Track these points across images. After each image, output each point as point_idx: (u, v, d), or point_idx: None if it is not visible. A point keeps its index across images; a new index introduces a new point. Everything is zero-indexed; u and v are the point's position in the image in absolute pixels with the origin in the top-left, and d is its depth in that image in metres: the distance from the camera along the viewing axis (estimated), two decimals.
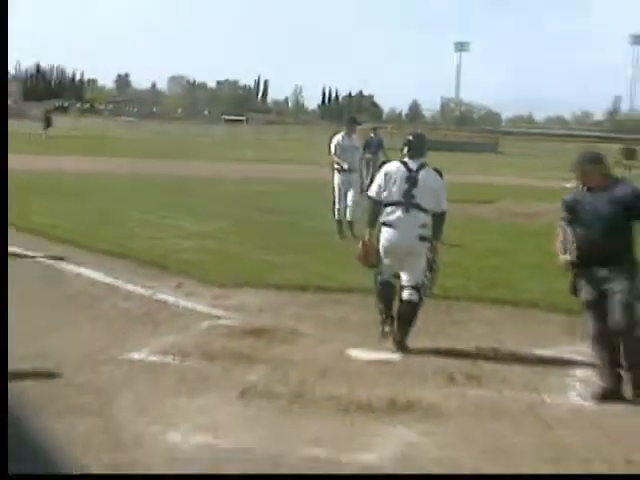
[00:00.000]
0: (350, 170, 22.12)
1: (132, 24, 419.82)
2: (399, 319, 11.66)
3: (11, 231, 11.99)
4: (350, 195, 21.95)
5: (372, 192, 11.98)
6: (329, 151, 22.63)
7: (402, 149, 12.00)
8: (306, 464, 7.71)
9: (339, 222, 21.80)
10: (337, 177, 22.29)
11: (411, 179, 11.60)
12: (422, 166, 11.69)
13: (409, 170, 11.75)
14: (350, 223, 21.53)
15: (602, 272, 9.74)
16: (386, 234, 11.74)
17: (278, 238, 20.79)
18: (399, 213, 11.59)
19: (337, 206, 22.03)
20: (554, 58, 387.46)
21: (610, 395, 9.68)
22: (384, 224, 11.78)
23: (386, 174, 11.88)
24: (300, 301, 14.08)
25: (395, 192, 11.68)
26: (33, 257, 17.20)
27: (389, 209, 11.72)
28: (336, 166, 22.22)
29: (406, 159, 11.91)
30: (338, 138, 22.38)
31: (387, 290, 11.92)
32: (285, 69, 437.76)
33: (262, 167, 49.10)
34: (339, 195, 22.13)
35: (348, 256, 13.76)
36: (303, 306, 13.72)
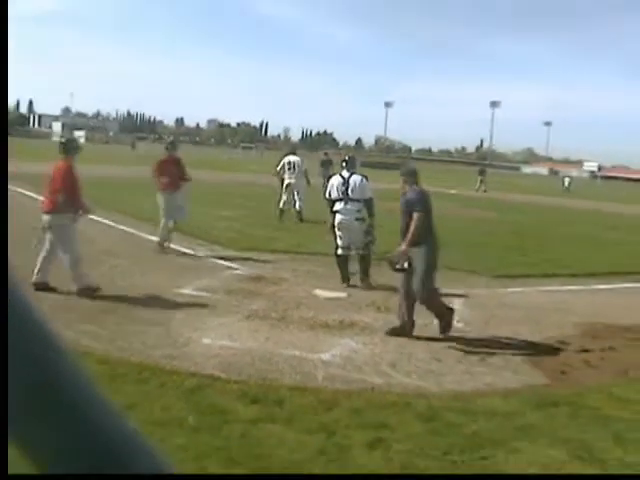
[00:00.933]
0: (297, 177, 21.96)
1: (184, 84, 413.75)
2: (360, 266, 12.35)
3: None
4: (298, 194, 21.69)
5: (327, 194, 12.68)
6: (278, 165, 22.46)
7: (341, 164, 12.74)
8: (287, 360, 7.95)
9: (282, 211, 21.42)
10: (287, 181, 21.82)
11: (345, 183, 12.34)
12: (352, 174, 12.42)
13: (343, 178, 12.48)
14: (299, 212, 21.36)
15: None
16: (337, 218, 12.36)
17: (271, 221, 20.87)
18: (342, 205, 12.28)
19: (284, 199, 21.65)
20: (445, 112, 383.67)
21: (400, 332, 9.32)
22: (336, 212, 12.34)
23: (331, 183, 12.68)
24: (284, 259, 14.30)
25: (337, 192, 12.37)
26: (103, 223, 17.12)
27: (337, 203, 12.38)
28: (287, 174, 21.93)
29: (343, 172, 12.65)
30: (289, 157, 22.38)
31: (342, 257, 12.32)
32: (278, 115, 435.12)
33: (261, 176, 49.11)
34: (288, 193, 21.71)
35: (314, 233, 13.94)
36: (286, 263, 13.93)
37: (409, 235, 9.45)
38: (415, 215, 9.48)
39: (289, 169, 22.05)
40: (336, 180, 12.57)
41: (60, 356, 0.62)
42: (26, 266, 9.75)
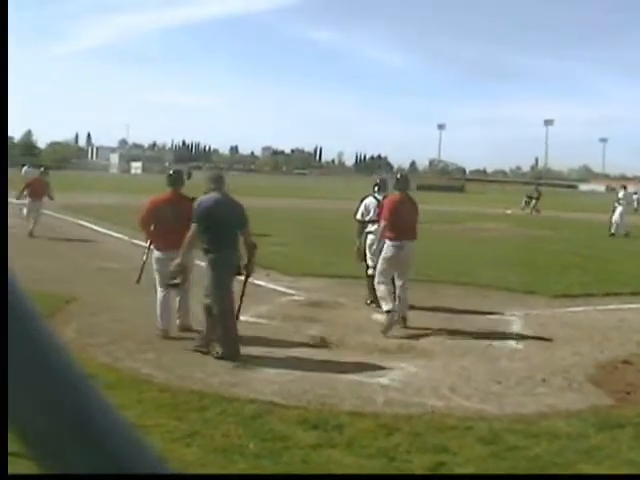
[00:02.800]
0: None
1: (238, 113, 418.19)
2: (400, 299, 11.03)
3: None
4: None
5: (359, 215, 12.66)
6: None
7: (373, 187, 12.70)
8: (346, 385, 7.93)
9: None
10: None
11: (380, 204, 12.04)
12: (385, 196, 12.15)
13: (377, 200, 12.41)
14: None
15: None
16: (369, 239, 12.31)
17: (323, 245, 20.89)
18: (375, 226, 11.95)
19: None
20: (498, 132, 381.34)
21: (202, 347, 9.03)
22: (369, 232, 12.35)
23: (365, 204, 12.65)
24: (340, 284, 14.30)
25: (373, 213, 12.26)
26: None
27: (370, 225, 12.30)
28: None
29: (376, 194, 12.63)
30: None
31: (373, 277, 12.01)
32: (331, 141, 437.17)
33: (320, 201, 49.11)
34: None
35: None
36: (342, 288, 13.93)
37: (181, 248, 9.11)
38: (192, 226, 9.01)
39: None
40: (370, 201, 12.56)
41: (57, 355, 0.62)
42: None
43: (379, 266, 11.11)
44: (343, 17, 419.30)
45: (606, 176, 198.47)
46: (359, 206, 12.75)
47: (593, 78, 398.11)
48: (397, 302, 10.78)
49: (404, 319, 10.87)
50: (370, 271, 12.15)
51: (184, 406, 6.91)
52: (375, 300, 11.60)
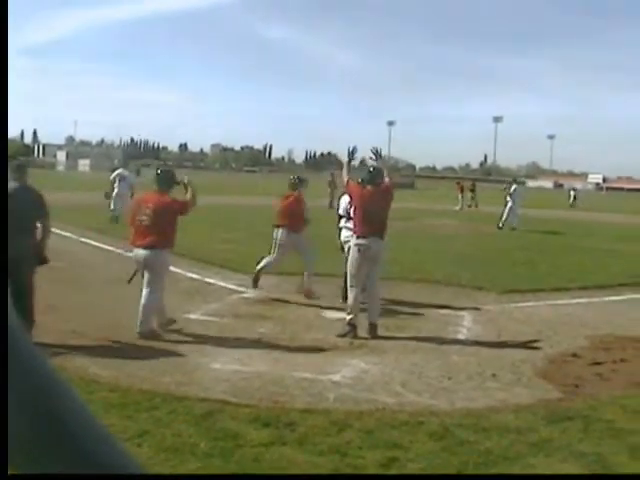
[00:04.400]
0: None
1: (187, 110, 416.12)
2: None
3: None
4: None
5: (341, 210, 12.41)
6: None
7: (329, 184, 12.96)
8: (297, 382, 7.93)
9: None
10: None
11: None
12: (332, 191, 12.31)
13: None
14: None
15: None
16: (343, 234, 12.20)
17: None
18: (344, 221, 12.05)
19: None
20: (448, 129, 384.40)
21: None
22: (341, 228, 12.35)
23: (343, 199, 12.37)
24: (291, 282, 14.28)
25: (344, 210, 12.14)
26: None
27: (342, 219, 12.25)
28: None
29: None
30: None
31: None
32: (282, 138, 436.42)
33: (270, 198, 49.23)
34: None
35: (320, 254, 13.89)
36: (293, 285, 13.91)
37: None
38: None
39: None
40: (346, 198, 12.28)
41: (32, 358, 0.64)
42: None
43: (349, 268, 10.70)
44: (296, 13, 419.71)
45: (554, 172, 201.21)
46: (333, 204, 12.96)
47: (542, 76, 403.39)
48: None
49: (372, 326, 10.34)
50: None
51: (134, 406, 6.84)
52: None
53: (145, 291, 9.85)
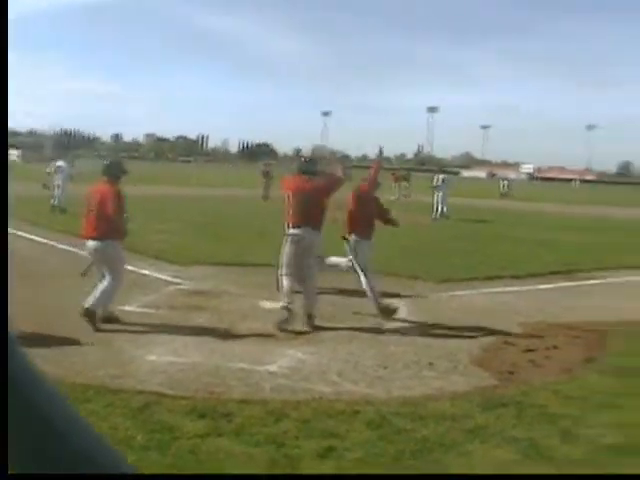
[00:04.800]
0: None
1: (120, 100, 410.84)
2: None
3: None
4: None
5: None
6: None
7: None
8: (234, 373, 7.91)
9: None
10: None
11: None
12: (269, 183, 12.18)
13: None
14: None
15: None
16: None
17: (209, 233, 20.81)
18: None
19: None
20: (383, 119, 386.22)
21: None
22: None
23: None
24: (227, 272, 14.24)
25: None
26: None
27: None
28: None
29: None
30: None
31: None
32: (217, 128, 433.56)
33: (205, 189, 49.01)
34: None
35: (256, 244, 13.87)
36: (230, 275, 13.87)
37: None
38: None
39: None
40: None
41: (20, 362, 0.68)
42: None
43: (282, 258, 10.55)
44: (232, 1, 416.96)
45: (488, 162, 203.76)
46: (266, 194, 12.71)
47: (477, 67, 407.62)
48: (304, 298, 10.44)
49: (309, 317, 10.28)
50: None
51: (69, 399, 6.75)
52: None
53: (102, 283, 9.89)
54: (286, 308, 10.17)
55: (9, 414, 0.64)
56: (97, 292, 9.73)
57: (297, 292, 10.46)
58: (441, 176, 32.99)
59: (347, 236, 11.47)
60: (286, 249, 10.50)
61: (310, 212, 10.37)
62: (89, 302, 9.63)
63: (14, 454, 0.65)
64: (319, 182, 10.73)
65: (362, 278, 11.14)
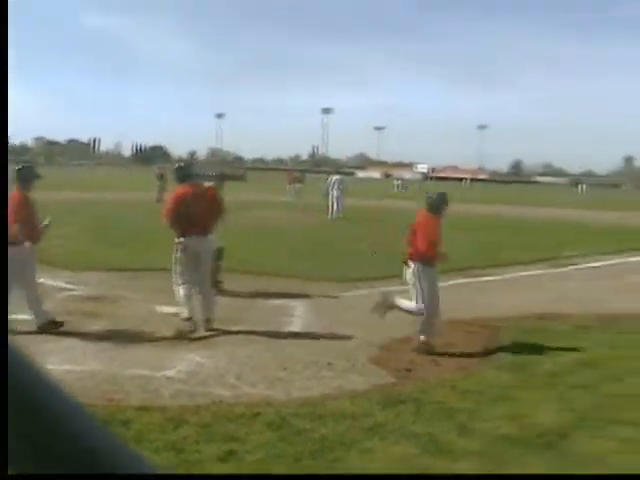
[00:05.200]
0: None
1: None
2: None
3: None
4: None
5: None
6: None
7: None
8: (132, 380, 7.83)
9: None
10: None
11: None
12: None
13: None
14: None
15: None
16: None
17: (103, 238, 20.52)
18: None
19: None
20: (277, 121, 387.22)
21: None
22: None
23: None
24: (122, 277, 14.06)
25: None
26: None
27: None
28: None
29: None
30: None
31: None
32: (110, 131, 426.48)
33: (98, 193, 48.25)
34: None
35: (151, 247, 13.73)
36: (124, 281, 13.70)
37: None
38: None
39: None
40: None
41: (27, 363, 0.67)
42: None
43: (174, 267, 10.46)
44: (126, 2, 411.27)
45: (384, 163, 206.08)
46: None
47: (369, 69, 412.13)
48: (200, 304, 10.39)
49: (209, 321, 10.28)
50: None
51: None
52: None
53: (22, 288, 9.79)
54: (187, 319, 10.10)
55: (10, 415, 0.64)
56: (28, 307, 9.88)
57: (195, 297, 10.42)
58: (335, 177, 33.33)
59: (408, 263, 10.05)
60: (177, 258, 10.41)
61: (195, 219, 10.27)
62: (35, 321, 9.77)
63: (17, 456, 0.65)
64: (202, 188, 10.84)
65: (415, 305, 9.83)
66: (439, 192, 10.60)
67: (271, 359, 8.81)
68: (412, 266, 9.88)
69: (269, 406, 7.03)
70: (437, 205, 10.32)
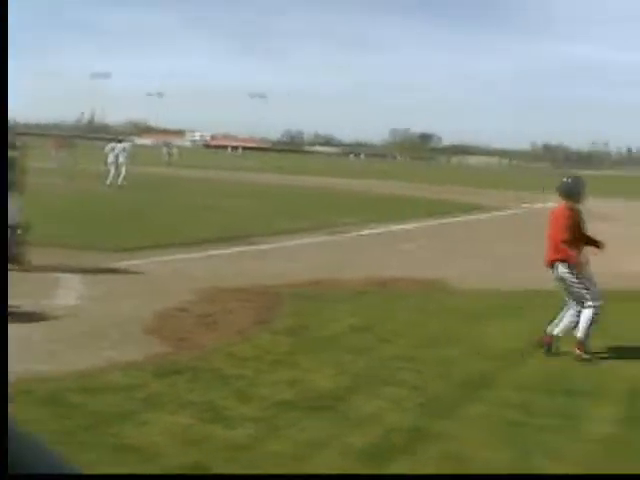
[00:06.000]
0: None
1: None
2: None
3: None
4: None
5: None
6: None
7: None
8: None
9: None
10: None
11: None
12: None
13: None
14: None
15: None
16: None
17: None
18: None
19: None
20: (43, 84, 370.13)
21: None
22: None
23: None
24: None
25: None
26: None
27: None
28: None
29: None
30: None
31: None
32: None
33: None
34: None
35: None
36: None
37: None
38: None
39: None
40: None
41: None
42: None
43: None
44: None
45: (154, 130, 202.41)
46: None
47: (153, 32, 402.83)
48: None
49: None
50: None
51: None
52: None
53: None
54: None
55: None
56: None
57: None
58: (120, 144, 32.65)
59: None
60: None
61: None
62: None
63: None
64: None
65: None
66: (575, 176, 9.47)
67: (42, 332, 8.50)
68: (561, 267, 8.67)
69: (41, 381, 6.77)
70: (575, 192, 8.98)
